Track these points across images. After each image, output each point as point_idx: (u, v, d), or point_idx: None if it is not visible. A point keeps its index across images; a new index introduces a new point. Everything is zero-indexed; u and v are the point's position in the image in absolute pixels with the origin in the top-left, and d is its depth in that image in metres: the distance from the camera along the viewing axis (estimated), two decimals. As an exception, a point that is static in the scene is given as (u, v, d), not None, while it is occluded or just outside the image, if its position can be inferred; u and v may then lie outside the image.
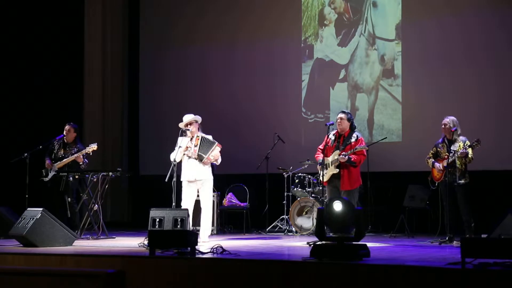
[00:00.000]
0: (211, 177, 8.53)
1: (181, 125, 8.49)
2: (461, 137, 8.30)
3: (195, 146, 8.39)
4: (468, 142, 8.18)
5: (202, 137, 8.44)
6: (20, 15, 12.39)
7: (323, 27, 11.45)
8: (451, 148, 8.25)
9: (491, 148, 9.18)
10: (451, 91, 10.36)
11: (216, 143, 8.49)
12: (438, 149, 8.44)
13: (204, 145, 8.42)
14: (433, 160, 8.45)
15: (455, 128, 8.29)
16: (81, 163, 9.37)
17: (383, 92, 10.92)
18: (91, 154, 9.38)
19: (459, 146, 8.19)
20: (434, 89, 10.51)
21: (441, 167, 8.28)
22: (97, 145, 9.32)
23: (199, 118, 8.56)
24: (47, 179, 9.37)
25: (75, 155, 9.30)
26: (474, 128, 9.22)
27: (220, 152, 8.54)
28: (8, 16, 12.29)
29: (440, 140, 8.46)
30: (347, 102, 11.11)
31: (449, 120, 8.36)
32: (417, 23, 10.74)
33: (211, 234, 9.38)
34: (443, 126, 8.36)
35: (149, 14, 12.73)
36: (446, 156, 8.26)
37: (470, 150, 8.12)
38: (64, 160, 9.36)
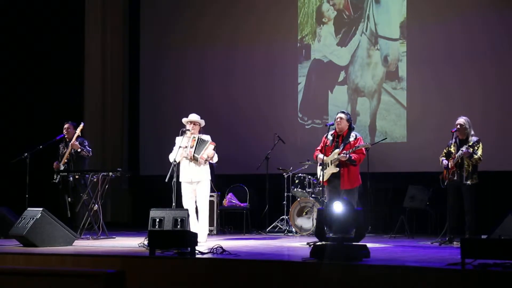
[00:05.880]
0: (208, 178, 8.46)
1: (184, 120, 8.47)
2: (473, 138, 8.21)
3: (191, 147, 8.38)
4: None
5: (198, 138, 8.40)
6: (20, 15, 12.38)
7: (321, 25, 10.99)
8: (461, 148, 8.18)
9: (495, 148, 9.09)
10: (458, 93, 10.01)
11: (210, 141, 8.40)
12: (450, 149, 8.36)
13: (199, 146, 8.37)
14: (443, 158, 8.40)
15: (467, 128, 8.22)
16: (79, 150, 9.39)
17: (386, 96, 10.43)
18: (80, 134, 9.46)
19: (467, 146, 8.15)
20: (441, 92, 10.11)
21: (449, 165, 8.21)
22: (83, 124, 9.53)
23: (202, 122, 8.52)
24: (56, 181, 9.42)
25: (71, 142, 9.34)
26: (479, 129, 9.10)
27: (215, 150, 8.40)
28: (8, 16, 12.28)
29: (451, 140, 8.36)
30: (347, 106, 10.56)
31: (464, 120, 8.22)
32: (424, 21, 10.24)
33: (211, 235, 9.37)
34: (458, 127, 8.19)
35: (149, 15, 12.70)
36: (454, 156, 8.21)
37: (479, 151, 8.06)
38: (65, 154, 9.43)
